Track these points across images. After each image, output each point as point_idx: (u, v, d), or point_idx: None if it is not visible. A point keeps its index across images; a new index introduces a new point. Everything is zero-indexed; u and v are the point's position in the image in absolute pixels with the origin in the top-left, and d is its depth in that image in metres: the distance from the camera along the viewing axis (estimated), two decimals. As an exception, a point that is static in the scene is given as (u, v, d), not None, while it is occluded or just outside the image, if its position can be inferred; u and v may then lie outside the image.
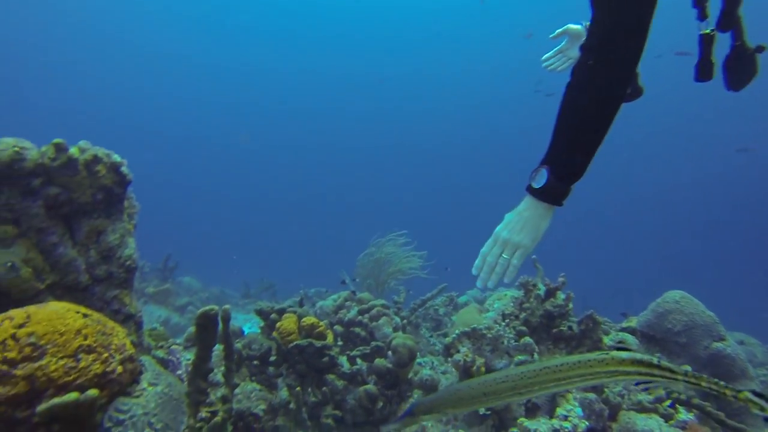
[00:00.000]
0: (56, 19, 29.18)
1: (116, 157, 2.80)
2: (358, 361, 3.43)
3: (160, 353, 2.89)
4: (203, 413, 2.33)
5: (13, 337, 1.76)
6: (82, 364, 1.81)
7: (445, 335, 6.50)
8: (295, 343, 3.13)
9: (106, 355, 1.90)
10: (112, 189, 2.79)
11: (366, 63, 37.02)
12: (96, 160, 2.70)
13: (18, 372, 1.70)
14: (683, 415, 2.53)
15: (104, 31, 31.27)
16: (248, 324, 9.77)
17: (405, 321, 4.60)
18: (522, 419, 2.51)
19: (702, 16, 2.01)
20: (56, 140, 2.55)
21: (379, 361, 3.27)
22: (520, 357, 2.98)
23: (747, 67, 2.06)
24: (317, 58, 36.15)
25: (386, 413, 3.25)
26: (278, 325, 3.25)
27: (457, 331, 3.12)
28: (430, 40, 34.14)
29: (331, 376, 3.31)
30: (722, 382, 1.26)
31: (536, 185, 1.46)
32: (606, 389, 3.01)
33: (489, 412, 3.20)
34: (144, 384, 2.11)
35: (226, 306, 2.30)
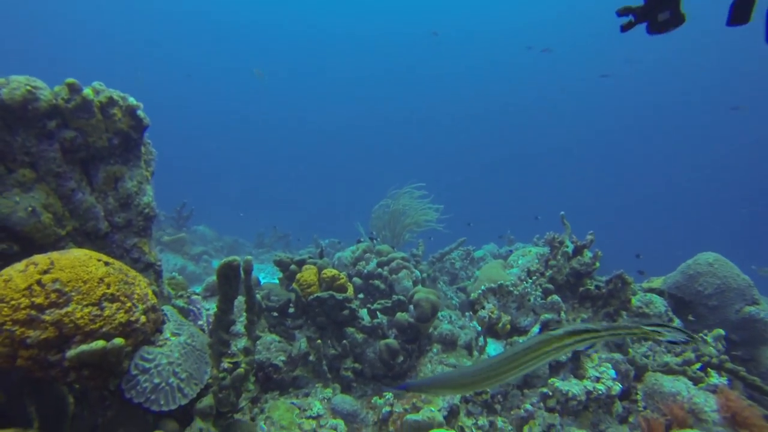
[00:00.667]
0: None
1: (132, 100, 2.71)
2: (379, 314, 3.45)
3: (181, 302, 2.93)
4: (226, 364, 2.37)
5: (39, 282, 1.76)
6: (107, 312, 1.82)
7: (463, 289, 6.55)
8: (315, 295, 3.14)
9: (129, 304, 1.91)
10: (129, 134, 2.72)
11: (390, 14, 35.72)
12: (112, 102, 2.62)
13: (47, 317, 1.71)
14: (715, 378, 2.51)
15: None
16: (262, 274, 9.96)
17: (425, 274, 4.60)
18: (553, 379, 2.52)
19: None
20: (69, 80, 2.47)
21: (400, 315, 3.29)
22: (546, 315, 2.95)
23: None
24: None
25: (406, 367, 3.30)
26: (298, 276, 3.25)
27: (483, 287, 3.09)
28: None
29: (350, 329, 3.35)
30: (640, 325, 1.45)
31: None
32: (631, 349, 3.00)
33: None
34: (167, 333, 2.13)
35: (248, 257, 2.27)
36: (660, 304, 3.25)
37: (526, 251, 4.03)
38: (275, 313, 3.43)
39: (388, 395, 2.88)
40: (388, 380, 3.33)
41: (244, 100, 41.34)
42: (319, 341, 2.96)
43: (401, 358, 3.20)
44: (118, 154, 2.73)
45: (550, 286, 3.27)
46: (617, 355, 2.80)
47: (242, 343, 2.38)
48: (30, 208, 2.39)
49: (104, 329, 1.80)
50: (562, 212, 3.60)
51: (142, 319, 1.95)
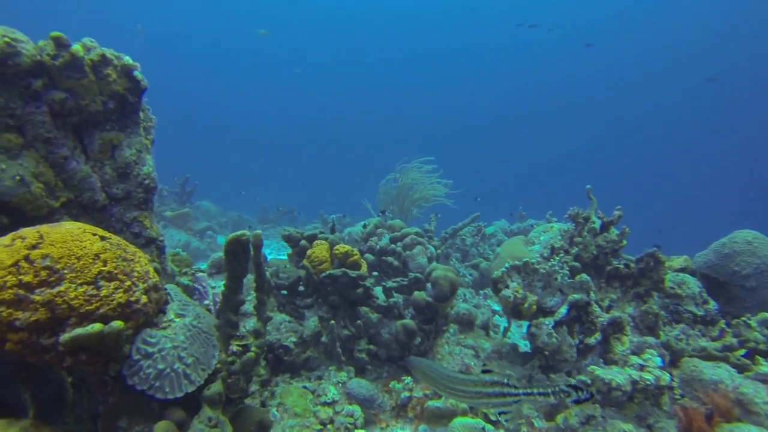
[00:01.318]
0: None
1: (128, 60, 2.48)
2: (394, 293, 3.28)
3: (185, 280, 2.76)
4: (235, 347, 2.21)
5: (27, 259, 1.58)
6: (104, 292, 1.64)
7: (475, 266, 6.38)
8: (327, 272, 2.96)
9: (128, 283, 1.73)
10: (126, 97, 2.50)
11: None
12: (105, 61, 2.39)
13: (36, 297, 1.53)
14: (765, 366, 2.34)
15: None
16: (267, 250, 9.81)
17: (439, 251, 4.42)
18: (593, 367, 2.35)
19: None
20: (54, 33, 2.24)
21: (417, 294, 3.12)
22: (575, 296, 2.78)
23: None
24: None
25: (423, 349, 3.15)
26: (309, 252, 3.07)
27: (507, 264, 2.90)
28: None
29: (364, 309, 3.19)
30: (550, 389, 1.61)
31: None
32: (662, 332, 2.83)
33: (531, 351, 3.07)
34: (171, 315, 1.96)
35: (258, 231, 2.09)
36: (694, 284, 3.07)
37: (547, 227, 3.83)
38: (284, 291, 3.27)
39: (407, 379, 2.73)
40: (403, 362, 3.18)
41: (249, 74, 40.65)
42: (332, 322, 2.80)
43: (418, 340, 3.05)
44: (114, 119, 2.52)
45: (577, 264, 3.08)
46: (650, 339, 2.64)
47: (251, 323, 2.21)
48: (18, 177, 2.19)
49: (101, 311, 1.62)
50: (589, 186, 3.38)
51: (143, 299, 1.77)
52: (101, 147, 2.49)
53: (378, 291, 3.37)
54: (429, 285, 3.23)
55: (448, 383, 1.79)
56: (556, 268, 2.80)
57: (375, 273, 3.81)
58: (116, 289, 1.68)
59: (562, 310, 2.80)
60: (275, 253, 9.57)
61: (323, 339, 3.00)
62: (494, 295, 6.15)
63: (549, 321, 2.80)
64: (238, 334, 2.18)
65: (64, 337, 1.50)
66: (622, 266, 3.04)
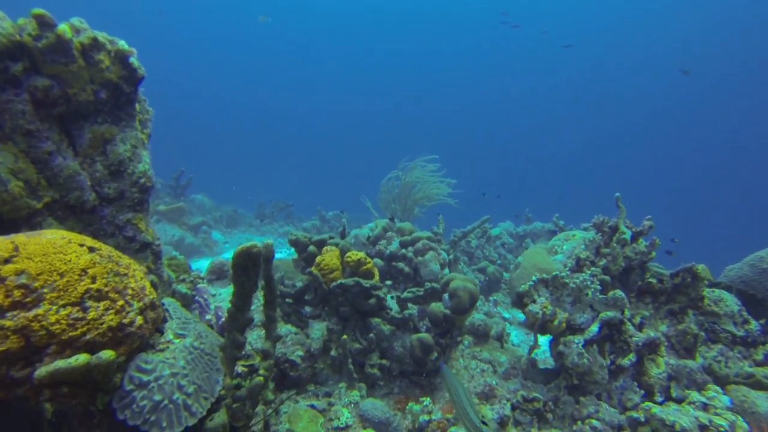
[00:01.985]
0: None
1: (123, 44, 2.22)
2: (409, 304, 3.06)
3: (183, 288, 2.52)
4: (240, 368, 1.97)
5: (-2, 275, 1.33)
6: (92, 314, 1.39)
7: (482, 270, 6.16)
8: (338, 282, 2.73)
9: (121, 302, 1.48)
10: (120, 86, 2.24)
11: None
12: (96, 45, 2.13)
13: (7, 323, 1.28)
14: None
15: None
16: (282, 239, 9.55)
17: (451, 256, 4.20)
18: (649, 404, 2.14)
19: None
20: (36, 10, 1.97)
21: (435, 306, 2.89)
22: (608, 313, 2.56)
23: None
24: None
25: (439, 365, 2.92)
26: (319, 260, 2.83)
27: (534, 277, 2.68)
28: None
29: (376, 320, 2.96)
30: None
31: None
32: (698, 354, 2.62)
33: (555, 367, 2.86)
34: (169, 335, 1.72)
35: (269, 241, 1.85)
36: (732, 302, 2.86)
37: (569, 235, 3.62)
38: (289, 300, 3.03)
39: (426, 401, 2.51)
40: (417, 377, 2.96)
41: (249, 67, 40.12)
42: (345, 337, 2.57)
43: (435, 355, 2.82)
44: (106, 111, 2.26)
45: (607, 277, 2.87)
46: (690, 363, 2.43)
47: (262, 344, 1.98)
48: (-5, 175, 1.93)
49: (88, 336, 1.38)
50: (618, 194, 3.16)
51: (138, 320, 1.53)
52: (91, 141, 2.23)
53: (391, 301, 3.14)
54: (446, 296, 3.01)
55: (462, 412, 1.88)
56: (588, 282, 2.58)
57: (388, 282, 3.58)
58: (107, 310, 1.44)
59: (593, 328, 2.58)
60: (275, 251, 9.33)
61: (332, 353, 2.77)
62: (505, 300, 5.95)
63: (578, 339, 2.59)
64: (244, 353, 1.95)
65: (40, 372, 1.26)
66: (655, 281, 2.83)
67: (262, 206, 12.39)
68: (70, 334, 1.35)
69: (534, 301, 2.62)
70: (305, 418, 2.17)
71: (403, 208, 8.44)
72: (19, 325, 1.29)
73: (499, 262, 6.85)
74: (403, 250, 3.81)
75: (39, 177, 2.08)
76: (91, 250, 1.53)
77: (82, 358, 1.29)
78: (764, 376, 2.33)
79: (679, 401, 2.22)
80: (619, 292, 2.59)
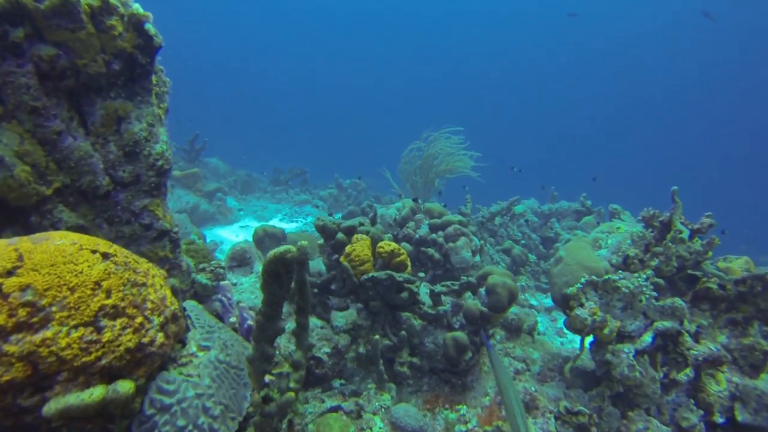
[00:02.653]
0: None
1: (137, 8, 1.97)
2: (443, 297, 2.87)
3: (203, 278, 2.35)
4: (267, 377, 1.82)
5: None
6: (107, 335, 1.22)
7: (507, 251, 5.96)
8: (370, 275, 2.54)
9: (140, 319, 1.31)
10: (135, 56, 2.00)
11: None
12: (107, 8, 1.88)
13: (11, 348, 1.12)
14: None
15: None
16: (278, 216, 9.43)
17: (483, 242, 3.99)
18: None
19: None
20: (41, -30, 1.72)
21: (471, 303, 2.71)
22: (665, 323, 2.35)
23: None
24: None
25: (472, 364, 2.77)
26: (349, 250, 2.64)
27: (584, 279, 2.47)
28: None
29: (406, 314, 2.79)
30: None
31: None
32: (765, 374, 2.41)
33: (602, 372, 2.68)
34: (192, 346, 1.55)
35: (303, 242, 1.66)
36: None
37: (612, 227, 3.36)
38: (315, 290, 2.86)
39: (462, 409, 2.36)
40: (447, 375, 2.81)
41: (266, 30, 38.99)
42: (377, 337, 2.40)
43: (469, 355, 2.66)
44: (120, 84, 2.03)
45: (661, 281, 2.64)
46: (760, 384, 2.23)
47: (293, 354, 1.82)
48: (-2, 158, 1.74)
49: (104, 361, 1.21)
50: (675, 187, 2.88)
51: (159, 338, 1.36)
52: (104, 119, 2.02)
53: (423, 293, 2.96)
54: (482, 290, 2.81)
55: (508, 404, 1.88)
56: (644, 288, 2.36)
57: (421, 274, 3.40)
58: (124, 329, 1.26)
59: (647, 337, 2.38)
60: (287, 219, 9.18)
61: (360, 350, 2.62)
62: (530, 284, 5.77)
63: (629, 349, 2.39)
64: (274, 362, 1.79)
65: (49, 408, 1.10)
66: (715, 287, 2.59)
67: (278, 172, 12.21)
68: (83, 359, 1.18)
69: (582, 305, 2.41)
70: (336, 428, 2.03)
71: (424, 180, 8.19)
72: (25, 351, 1.13)
73: (523, 242, 6.62)
74: (433, 235, 3.61)
75: (47, 160, 1.89)
76: (105, 257, 1.34)
77: (96, 394, 1.13)
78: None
79: (750, 428, 2.04)
80: (678, 301, 2.36)
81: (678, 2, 29.01)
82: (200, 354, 1.56)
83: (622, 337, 2.47)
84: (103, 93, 2.01)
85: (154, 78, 2.20)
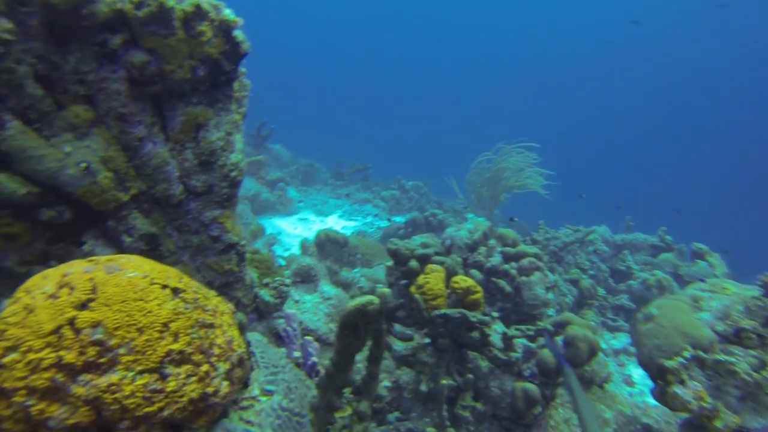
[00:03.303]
0: None
1: (228, 14, 1.91)
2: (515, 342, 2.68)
3: (266, 295, 2.30)
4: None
5: (72, 324, 1.12)
6: (171, 384, 1.16)
7: (575, 282, 5.61)
8: (442, 312, 2.40)
9: (206, 367, 1.24)
10: (220, 63, 1.95)
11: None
12: (200, 14, 1.84)
13: (79, 390, 1.07)
14: None
15: None
16: (338, 212, 9.46)
17: (556, 276, 3.73)
18: None
19: None
20: (141, -25, 1.69)
21: (547, 355, 2.50)
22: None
23: None
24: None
25: (539, 418, 2.56)
26: (422, 281, 2.51)
27: (687, 354, 2.19)
28: None
29: (473, 353, 2.63)
30: None
31: None
32: None
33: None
34: (255, 389, 1.48)
35: (385, 289, 1.54)
36: None
37: (717, 287, 2.98)
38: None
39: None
40: (510, 424, 2.62)
41: (341, 18, 39.40)
42: (444, 382, 2.26)
43: (539, 409, 2.46)
44: (202, 90, 2.00)
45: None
46: None
47: (359, 404, 1.71)
48: (84, 164, 1.75)
49: (165, 412, 1.15)
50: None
51: (224, 388, 1.28)
52: (184, 125, 1.99)
53: (495, 331, 2.78)
54: (560, 339, 2.59)
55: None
56: None
57: (495, 314, 3.21)
58: (188, 377, 1.20)
59: None
60: (346, 216, 9.19)
61: (422, 387, 2.49)
62: (596, 319, 5.39)
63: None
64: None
65: (110, 467, 1.04)
66: None
67: (340, 165, 12.28)
68: (146, 410, 1.12)
69: (682, 382, 2.14)
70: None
71: (491, 193, 7.91)
72: (91, 395, 1.08)
73: (591, 272, 6.20)
74: (506, 266, 3.39)
75: (128, 166, 1.88)
76: (175, 292, 1.28)
77: (157, 455, 1.06)
78: None
79: None
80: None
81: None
82: (263, 399, 1.48)
83: None
84: (185, 99, 1.98)
85: (236, 83, 2.15)
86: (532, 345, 2.65)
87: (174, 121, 1.98)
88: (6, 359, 1.09)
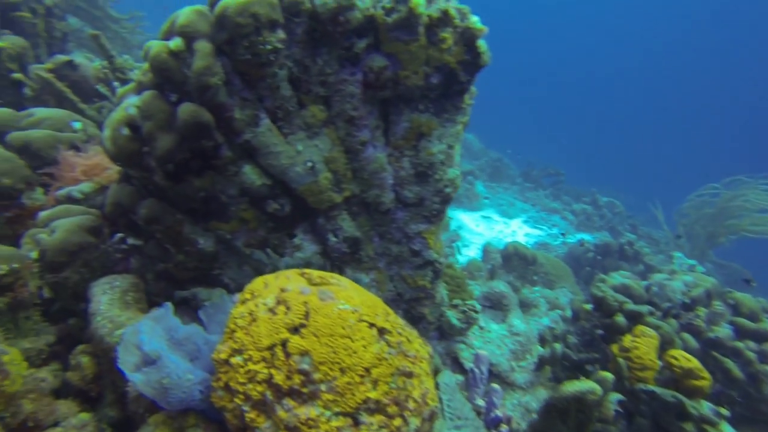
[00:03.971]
0: None
1: (474, 21, 1.76)
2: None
3: (454, 317, 2.18)
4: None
5: (284, 346, 1.13)
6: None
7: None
8: (650, 388, 1.96)
9: (398, 421, 1.14)
10: (456, 73, 1.82)
11: None
12: (445, 20, 1.72)
13: (282, 414, 1.08)
14: None
15: None
16: (524, 216, 8.95)
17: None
18: None
19: None
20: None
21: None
22: None
23: None
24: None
25: None
26: (629, 344, 2.10)
27: None
28: None
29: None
30: None
31: None
32: None
33: None
34: (437, 445, 1.34)
35: (605, 374, 1.25)
36: None
37: None
38: (566, 362, 2.42)
39: None
40: None
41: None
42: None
43: None
44: (432, 98, 1.90)
45: None
46: None
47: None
48: (310, 164, 1.81)
49: (351, 462, 1.08)
50: None
51: (411, 446, 1.18)
52: (407, 133, 1.93)
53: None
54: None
55: None
56: None
57: (724, 411, 2.58)
58: (380, 428, 1.12)
59: None
60: (531, 222, 8.62)
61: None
62: None
63: None
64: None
65: None
66: None
67: (531, 166, 11.57)
68: (334, 455, 1.07)
69: None
70: None
71: (709, 233, 6.52)
72: (292, 423, 1.07)
73: None
74: (739, 343, 2.68)
75: (346, 168, 1.91)
76: (381, 333, 1.21)
77: None
78: None
79: None
80: None
81: None
82: (442, 456, 1.36)
83: None
84: (412, 104, 1.91)
85: (466, 96, 2.00)
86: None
87: (398, 126, 1.93)
88: (233, 359, 1.16)
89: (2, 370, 1.20)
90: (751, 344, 2.75)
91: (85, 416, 1.44)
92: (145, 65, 1.67)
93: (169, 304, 1.36)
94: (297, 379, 1.10)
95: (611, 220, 9.06)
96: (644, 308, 2.26)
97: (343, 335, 1.14)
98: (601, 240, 6.79)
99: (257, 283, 1.33)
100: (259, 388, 1.11)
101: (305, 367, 1.10)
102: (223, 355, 1.18)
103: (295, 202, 1.93)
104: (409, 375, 1.22)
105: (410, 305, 2.24)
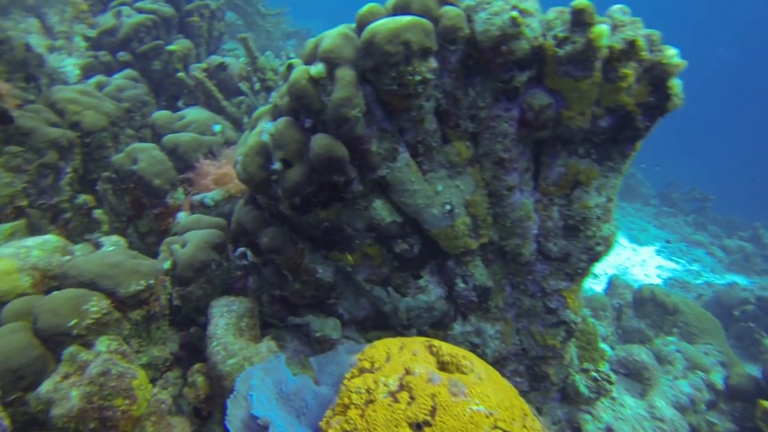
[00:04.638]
0: None
1: (669, 55, 1.43)
2: None
3: (581, 384, 1.90)
4: None
5: (404, 442, 0.98)
6: None
7: None
8: None
9: None
10: (633, 116, 1.52)
11: None
12: (629, 53, 1.42)
13: None
14: None
15: None
16: (658, 244, 7.93)
17: None
18: None
19: None
20: (580, 2, 1.37)
21: None
22: None
23: None
24: None
25: None
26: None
27: None
28: None
29: None
30: None
31: None
32: None
33: None
34: None
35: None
36: None
37: None
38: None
39: None
40: None
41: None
42: None
43: None
44: (595, 143, 1.61)
45: None
46: None
47: None
48: (448, 207, 1.64)
49: None
50: None
51: None
52: (561, 179, 1.67)
53: None
54: None
55: None
56: None
57: None
58: None
59: None
60: (665, 253, 7.61)
61: None
62: None
63: None
64: None
65: None
66: None
67: (671, 187, 10.25)
68: None
69: None
70: None
71: None
72: None
73: None
74: None
75: (487, 213, 1.70)
76: (518, 447, 1.00)
77: None
78: None
79: None
80: None
81: None
82: None
83: None
84: (570, 147, 1.64)
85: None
86: None
87: (551, 170, 1.68)
88: (344, 441, 1.04)
89: (131, 395, 1.22)
90: None
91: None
92: (283, 88, 1.61)
93: (282, 356, 1.30)
94: (416, 489, 0.95)
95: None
96: None
97: (474, 446, 0.96)
98: (765, 288, 5.75)
99: (379, 350, 1.20)
100: (373, 485, 0.98)
101: (427, 477, 0.95)
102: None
103: (426, 243, 1.77)
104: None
105: (534, 362, 1.99)
